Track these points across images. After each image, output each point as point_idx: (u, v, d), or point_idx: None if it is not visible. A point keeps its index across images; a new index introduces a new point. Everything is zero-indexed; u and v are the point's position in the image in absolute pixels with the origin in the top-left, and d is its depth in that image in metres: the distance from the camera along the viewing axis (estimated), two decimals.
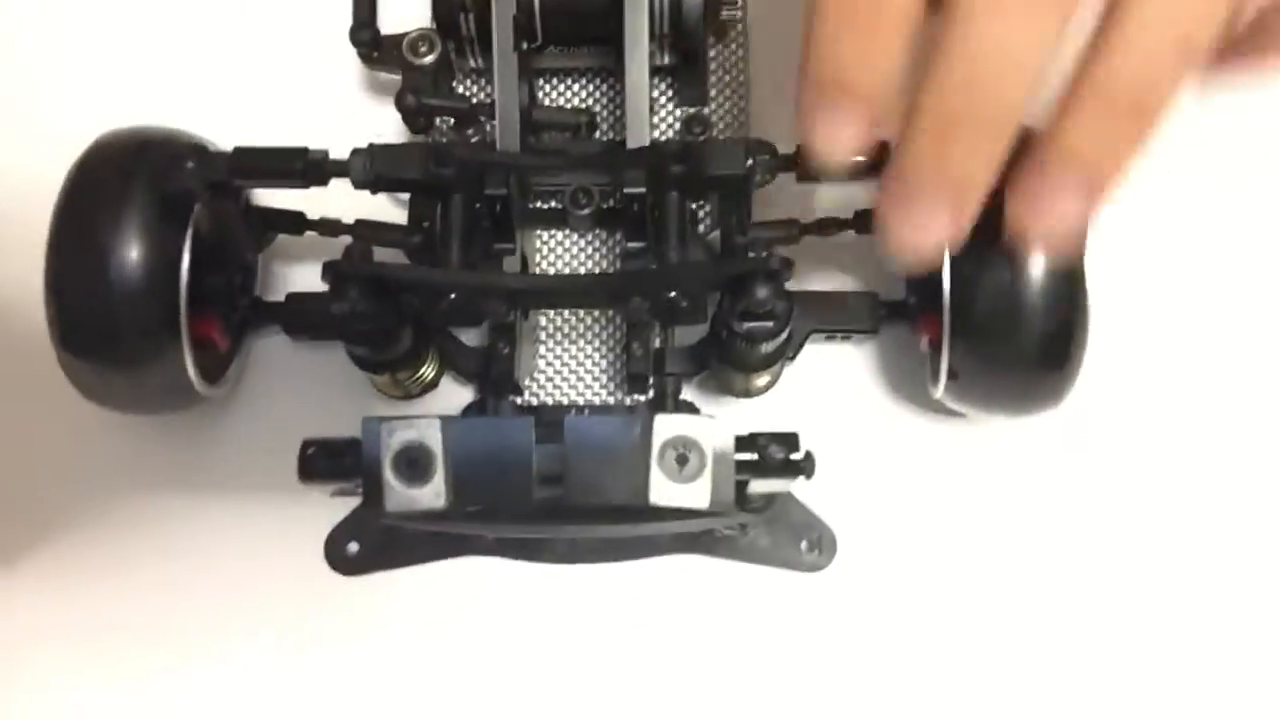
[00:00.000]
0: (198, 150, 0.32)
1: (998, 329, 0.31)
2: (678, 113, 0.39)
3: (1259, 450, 0.37)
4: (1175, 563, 0.36)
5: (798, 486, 0.36)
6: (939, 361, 0.33)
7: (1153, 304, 0.38)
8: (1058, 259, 0.31)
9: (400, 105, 0.36)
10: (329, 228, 0.35)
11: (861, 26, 0.22)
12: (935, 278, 0.32)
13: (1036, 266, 0.31)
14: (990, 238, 0.30)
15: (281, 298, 0.37)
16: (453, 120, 0.37)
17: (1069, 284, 0.31)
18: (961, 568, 0.36)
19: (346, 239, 0.35)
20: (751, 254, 0.29)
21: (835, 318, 0.36)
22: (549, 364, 0.37)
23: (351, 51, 0.37)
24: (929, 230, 0.23)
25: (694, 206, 0.37)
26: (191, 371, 0.32)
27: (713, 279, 0.30)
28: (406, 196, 0.36)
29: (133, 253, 0.31)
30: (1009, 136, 0.23)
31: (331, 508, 0.36)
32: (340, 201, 0.34)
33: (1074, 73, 0.23)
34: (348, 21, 0.37)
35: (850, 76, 0.22)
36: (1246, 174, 0.39)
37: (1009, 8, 0.21)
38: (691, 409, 0.35)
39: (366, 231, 0.35)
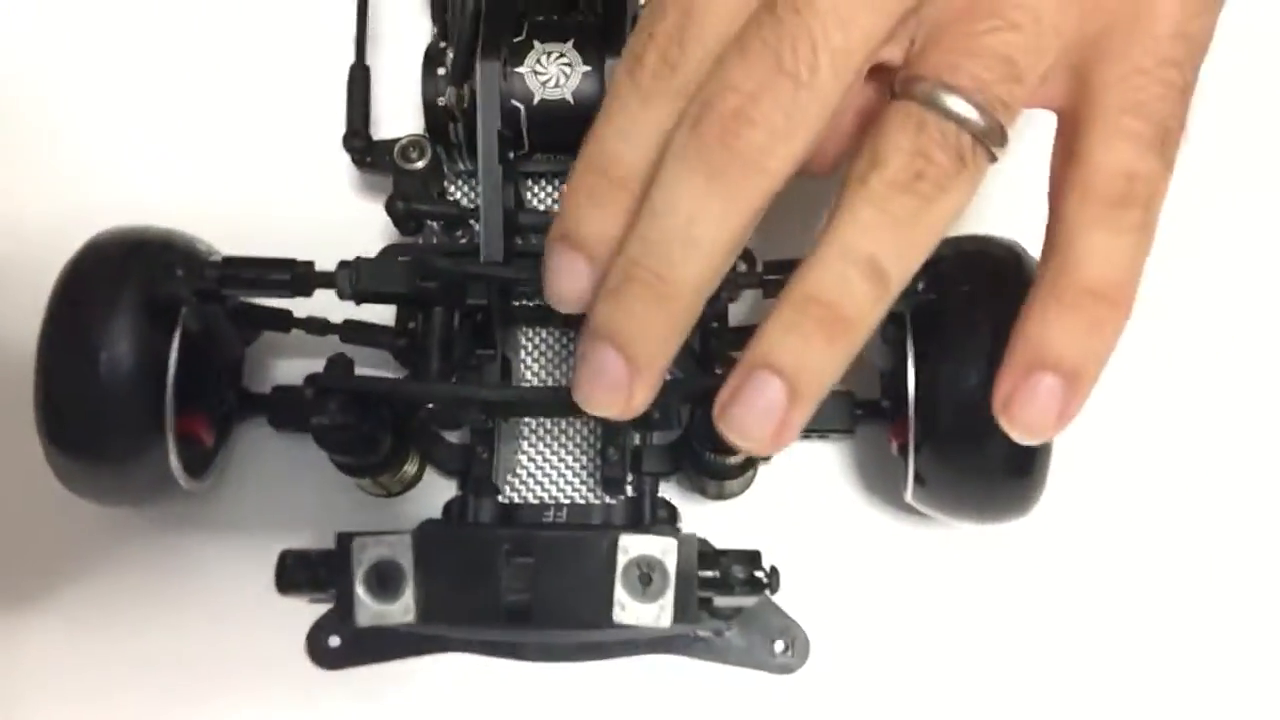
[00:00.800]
0: (188, 256, 0.33)
1: (963, 436, 0.32)
2: None
3: (1234, 563, 0.37)
4: (1150, 668, 0.36)
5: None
6: (907, 467, 0.33)
7: (1124, 409, 0.38)
8: None
9: (390, 210, 0.37)
10: (316, 326, 0.36)
11: (598, 196, 0.25)
12: (904, 385, 0.33)
13: None
14: (958, 351, 0.32)
15: (268, 389, 0.37)
16: (442, 223, 0.39)
17: None
18: (935, 671, 0.36)
19: (333, 336, 0.36)
20: (719, 370, 0.30)
21: (811, 417, 0.37)
22: (530, 460, 0.38)
23: (345, 155, 0.39)
24: (605, 378, 0.24)
25: None
26: (176, 467, 0.33)
27: (682, 393, 0.31)
28: None
29: (120, 352, 0.32)
30: (680, 310, 0.24)
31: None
32: (330, 297, 0.35)
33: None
34: (341, 126, 0.39)
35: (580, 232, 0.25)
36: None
37: (693, 182, 0.23)
38: (669, 508, 0.36)
39: (353, 333, 0.36)
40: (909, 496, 0.34)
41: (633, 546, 0.28)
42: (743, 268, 0.35)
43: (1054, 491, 0.34)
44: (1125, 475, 0.38)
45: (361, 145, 0.38)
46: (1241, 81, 0.40)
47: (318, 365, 0.32)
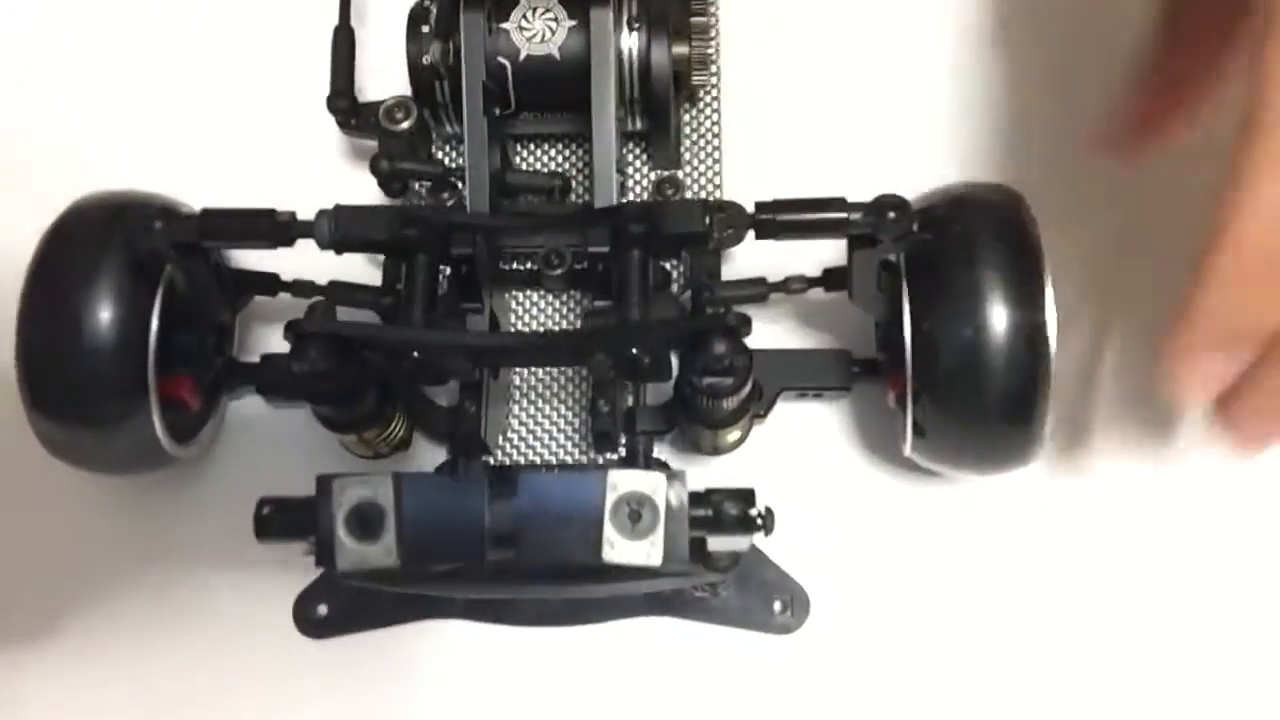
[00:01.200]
0: (167, 212, 0.32)
1: (960, 385, 0.31)
2: (651, 176, 0.40)
3: (1235, 521, 0.36)
4: (1151, 617, 0.35)
5: (770, 546, 0.35)
6: (905, 418, 0.32)
7: (1127, 356, 0.38)
8: (1022, 316, 0.30)
9: (375, 170, 0.36)
10: (302, 289, 0.36)
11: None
12: (900, 335, 0.32)
13: (998, 322, 0.30)
14: (954, 293, 0.31)
15: (259, 359, 0.37)
16: (429, 185, 0.38)
17: (1032, 340, 0.31)
18: (936, 628, 0.35)
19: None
20: (710, 310, 0.29)
21: (807, 375, 0.36)
22: (522, 424, 0.37)
23: (330, 118, 0.38)
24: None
25: (668, 266, 0.37)
26: (160, 431, 0.33)
27: (671, 335, 0.30)
28: (383, 259, 0.37)
29: (101, 313, 0.31)
30: None
31: (304, 570, 0.36)
32: (318, 263, 0.35)
33: None
34: (325, 89, 0.38)
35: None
36: None
37: None
38: (663, 467, 0.35)
39: (339, 293, 0.35)
40: (908, 450, 0.34)
41: (622, 483, 0.27)
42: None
43: (1054, 444, 0.33)
44: (1126, 426, 0.37)
45: (346, 106, 0.37)
46: None
47: None
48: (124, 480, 0.36)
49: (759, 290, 0.35)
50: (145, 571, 0.36)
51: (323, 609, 0.35)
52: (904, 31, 0.42)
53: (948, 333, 0.31)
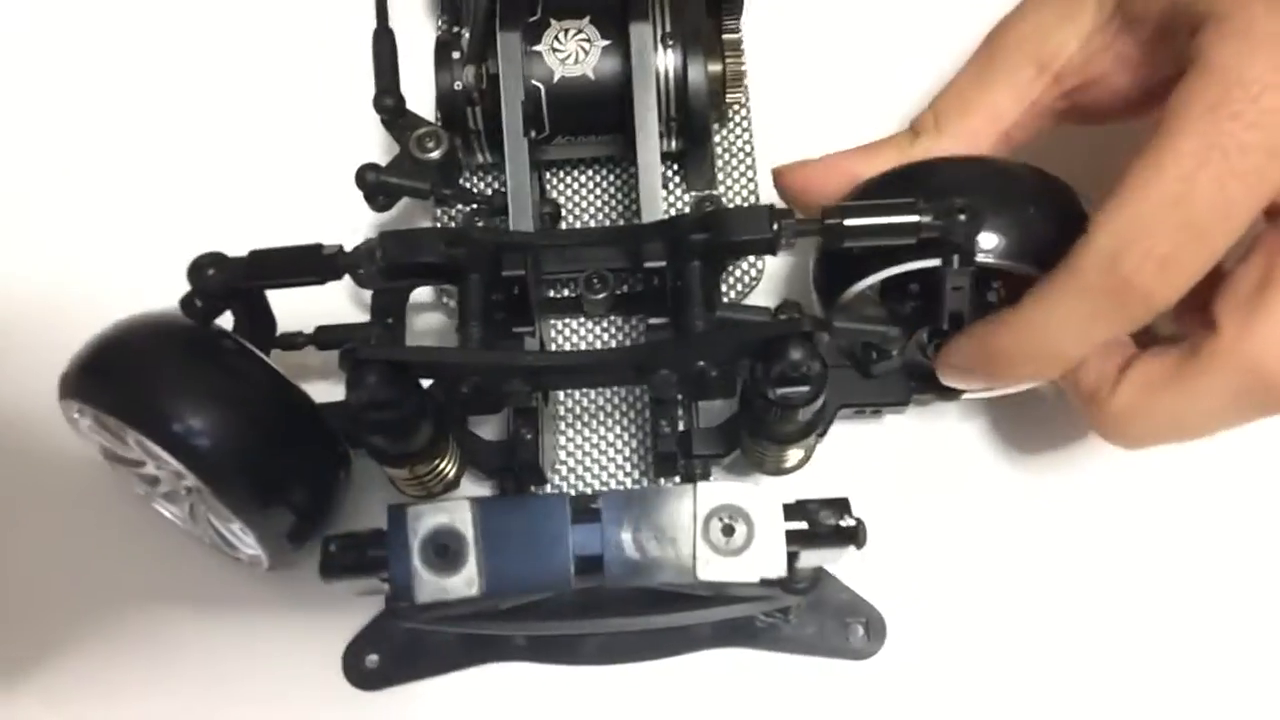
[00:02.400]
0: (218, 259, 0.31)
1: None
2: (686, 197, 0.39)
3: None
4: (1244, 636, 0.34)
5: (841, 570, 0.34)
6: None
7: None
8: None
9: (361, 182, 0.35)
10: (288, 341, 0.34)
11: None
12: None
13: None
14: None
15: None
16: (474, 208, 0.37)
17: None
18: (1012, 648, 0.34)
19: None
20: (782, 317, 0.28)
21: (867, 392, 0.35)
22: (570, 453, 0.36)
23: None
24: None
25: None
26: None
27: (744, 343, 0.29)
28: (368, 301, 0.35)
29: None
30: None
31: (354, 616, 0.34)
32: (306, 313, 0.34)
33: None
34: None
35: None
36: None
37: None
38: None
39: (327, 336, 0.34)
40: None
41: (712, 496, 0.25)
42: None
43: (1123, 460, 0.32)
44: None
45: (393, 104, 0.36)
46: None
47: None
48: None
49: (793, 303, 0.34)
50: (188, 620, 0.35)
51: (373, 658, 0.34)
52: (928, 43, 0.41)
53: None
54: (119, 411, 0.29)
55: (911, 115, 0.40)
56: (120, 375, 0.30)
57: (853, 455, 0.36)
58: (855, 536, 0.27)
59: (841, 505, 0.27)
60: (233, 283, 0.31)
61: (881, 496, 0.35)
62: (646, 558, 0.25)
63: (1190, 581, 0.34)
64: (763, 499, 0.26)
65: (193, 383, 0.29)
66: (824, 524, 0.26)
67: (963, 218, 0.29)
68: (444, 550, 0.25)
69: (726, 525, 0.25)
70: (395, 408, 0.28)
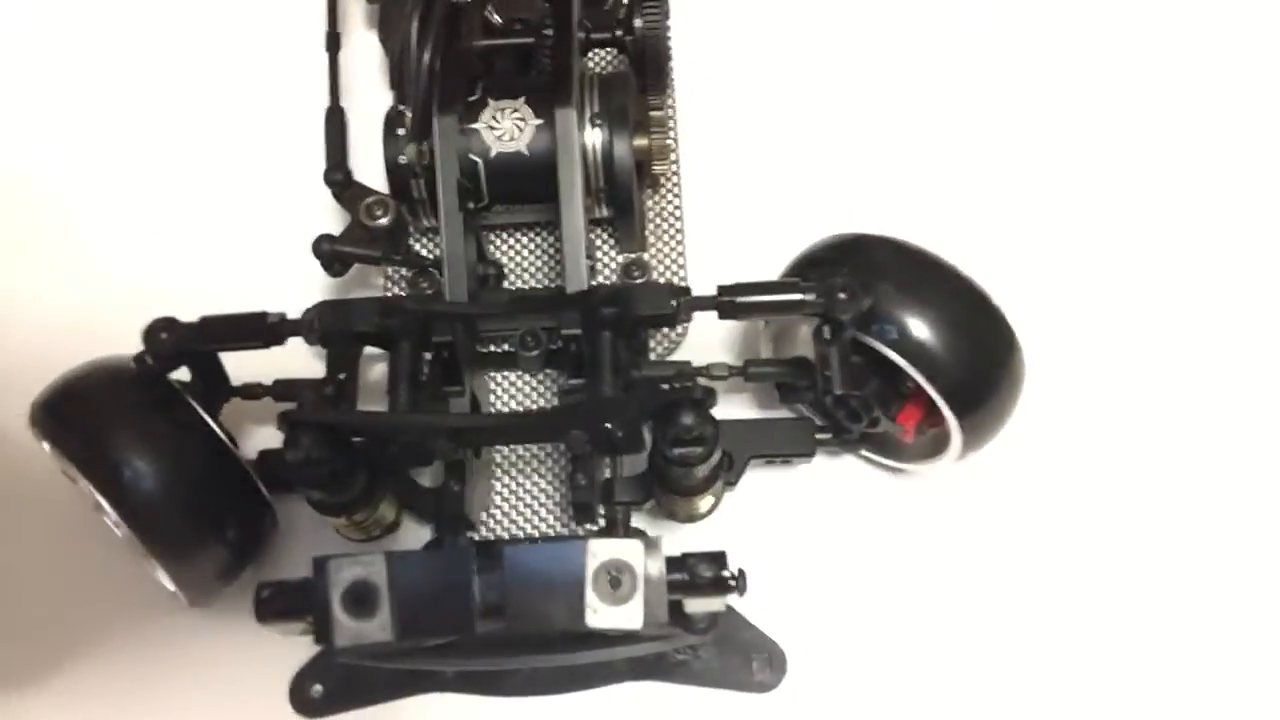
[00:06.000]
0: (171, 323, 0.34)
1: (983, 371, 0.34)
2: (619, 259, 0.42)
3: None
4: (1115, 660, 0.37)
5: (746, 608, 0.37)
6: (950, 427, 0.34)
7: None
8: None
9: (317, 251, 0.38)
10: (249, 392, 0.37)
11: None
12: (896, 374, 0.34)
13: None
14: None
15: (258, 455, 0.38)
16: (408, 274, 0.40)
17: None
18: (905, 677, 0.37)
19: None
20: (676, 385, 0.31)
21: (775, 444, 0.38)
22: (504, 499, 0.39)
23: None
24: None
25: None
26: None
27: (642, 409, 0.32)
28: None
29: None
30: None
31: (301, 651, 0.37)
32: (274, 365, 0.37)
33: None
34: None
35: None
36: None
37: None
38: (641, 536, 0.36)
39: (283, 389, 0.37)
40: (955, 459, 0.35)
41: (601, 551, 0.28)
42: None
43: (1035, 497, 0.35)
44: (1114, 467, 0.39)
45: (341, 179, 0.40)
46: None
47: None
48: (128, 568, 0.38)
49: (688, 372, 0.37)
50: (140, 656, 0.37)
51: (318, 688, 0.37)
52: (856, 117, 0.45)
53: (946, 342, 0.33)
54: (61, 448, 0.33)
55: (836, 186, 0.43)
56: (69, 417, 0.33)
57: (764, 502, 0.39)
58: (732, 587, 0.29)
59: (718, 559, 0.30)
60: (184, 345, 0.34)
61: (789, 539, 0.39)
62: (543, 605, 0.28)
63: (1067, 616, 0.37)
64: (647, 554, 0.29)
65: (128, 434, 0.32)
66: (702, 576, 0.29)
67: (843, 296, 0.32)
68: (361, 599, 0.28)
69: (614, 578, 0.28)
70: (329, 465, 0.32)
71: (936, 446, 0.36)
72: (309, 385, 0.37)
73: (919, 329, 0.33)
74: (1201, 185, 0.43)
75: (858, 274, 0.34)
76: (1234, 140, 0.44)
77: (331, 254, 0.38)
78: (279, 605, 0.29)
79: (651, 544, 0.29)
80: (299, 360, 0.39)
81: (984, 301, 0.34)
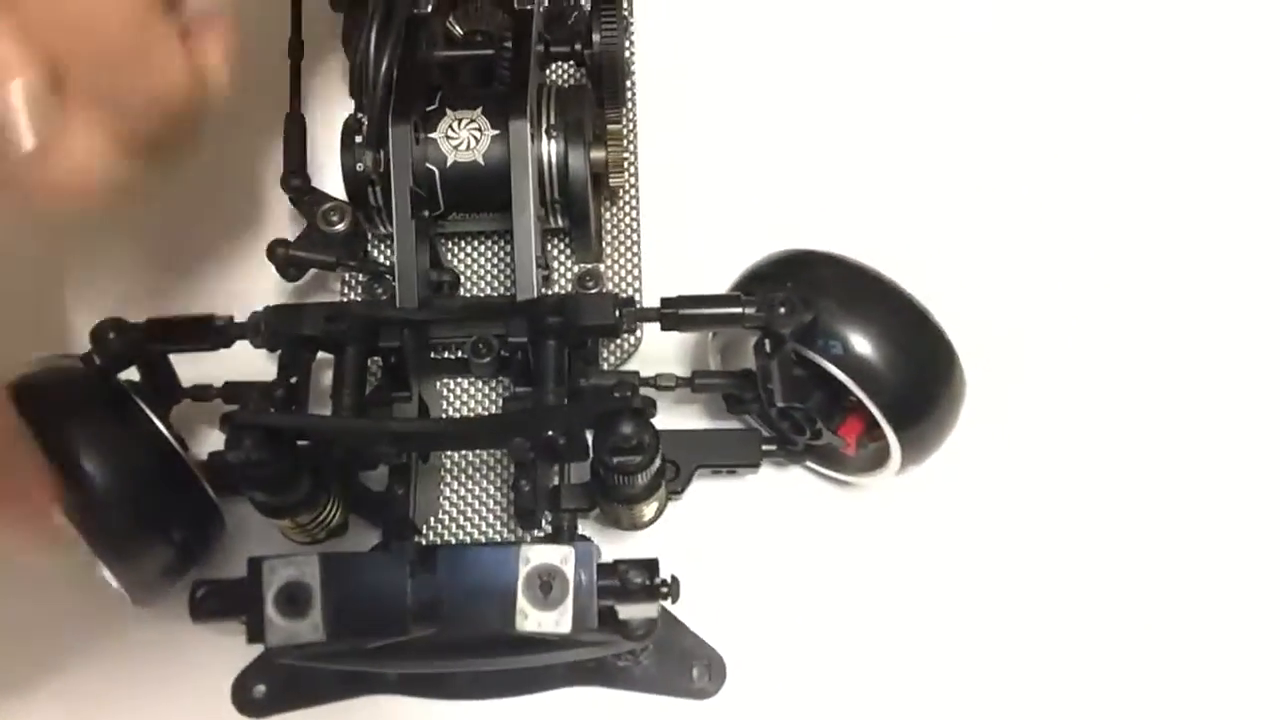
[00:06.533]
0: (119, 324, 0.35)
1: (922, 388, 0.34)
2: (574, 269, 0.43)
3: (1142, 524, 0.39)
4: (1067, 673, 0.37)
5: (688, 615, 0.38)
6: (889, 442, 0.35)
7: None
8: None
9: (271, 256, 0.39)
10: (200, 393, 0.38)
11: None
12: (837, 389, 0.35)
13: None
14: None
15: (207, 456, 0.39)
16: (363, 279, 0.41)
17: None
18: (843, 685, 0.37)
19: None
20: (616, 395, 0.31)
21: (720, 454, 0.39)
22: (452, 504, 0.39)
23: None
24: None
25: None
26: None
27: (583, 417, 0.32)
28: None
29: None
30: None
31: (244, 652, 0.37)
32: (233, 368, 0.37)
33: None
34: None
35: None
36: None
37: None
38: (585, 542, 0.37)
39: (233, 392, 0.37)
40: (895, 473, 0.36)
41: (533, 556, 0.29)
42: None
43: (975, 511, 0.36)
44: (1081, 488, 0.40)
45: (299, 184, 0.40)
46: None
47: None
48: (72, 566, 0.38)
49: (629, 382, 0.37)
50: (85, 653, 0.38)
51: (260, 688, 0.37)
52: (814, 136, 0.45)
53: (885, 359, 0.34)
54: None
55: (794, 203, 0.44)
56: (23, 409, 0.34)
57: (709, 511, 0.39)
58: (664, 594, 0.30)
59: (650, 566, 0.30)
60: (132, 346, 0.34)
61: (732, 548, 0.39)
62: (476, 609, 0.29)
63: (1005, 628, 0.38)
64: (579, 560, 0.29)
65: (74, 433, 0.33)
66: (633, 582, 0.29)
67: (782, 311, 0.33)
68: (293, 599, 0.28)
69: (545, 583, 0.29)
70: (271, 467, 0.32)
71: (879, 460, 0.37)
72: (258, 388, 0.37)
73: (859, 344, 0.34)
74: (1149, 202, 0.44)
75: (801, 289, 0.34)
76: (1191, 151, 0.45)
77: (286, 258, 0.39)
78: (214, 604, 0.30)
79: (584, 550, 0.29)
80: (260, 364, 0.39)
81: (924, 319, 0.35)
